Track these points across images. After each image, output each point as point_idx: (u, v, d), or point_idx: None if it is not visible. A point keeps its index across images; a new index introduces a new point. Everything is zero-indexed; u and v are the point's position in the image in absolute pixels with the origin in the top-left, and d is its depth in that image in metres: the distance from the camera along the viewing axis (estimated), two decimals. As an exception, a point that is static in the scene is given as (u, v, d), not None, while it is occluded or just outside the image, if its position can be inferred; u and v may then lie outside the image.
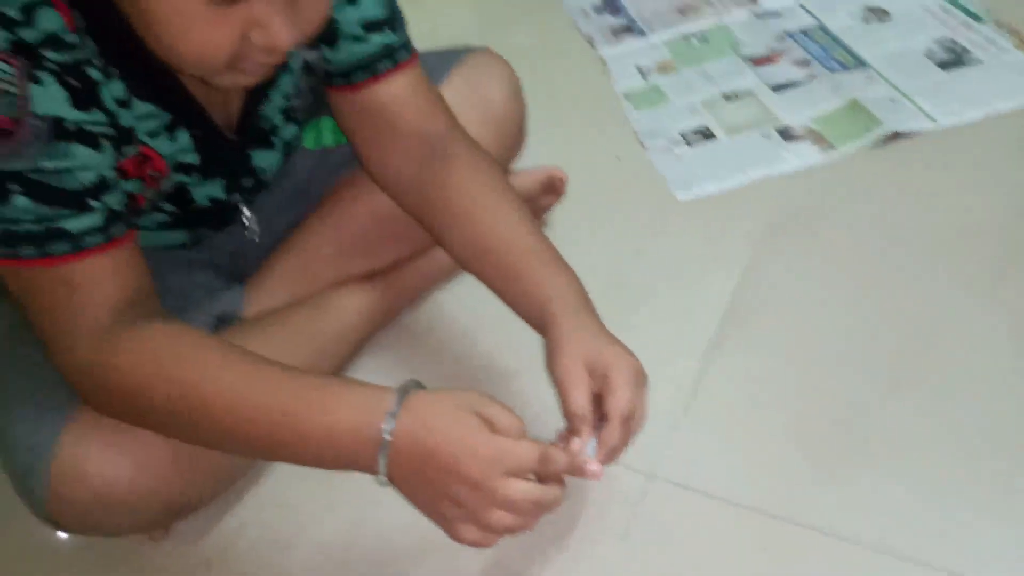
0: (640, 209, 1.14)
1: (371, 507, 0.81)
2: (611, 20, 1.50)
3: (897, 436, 0.84)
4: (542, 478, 0.65)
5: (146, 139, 0.73)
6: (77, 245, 0.65)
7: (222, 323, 0.87)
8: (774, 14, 1.43)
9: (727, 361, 0.93)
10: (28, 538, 0.84)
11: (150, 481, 0.73)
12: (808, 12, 1.42)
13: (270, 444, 0.67)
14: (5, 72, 0.60)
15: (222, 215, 0.86)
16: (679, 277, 1.04)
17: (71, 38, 0.63)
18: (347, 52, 0.80)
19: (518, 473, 0.62)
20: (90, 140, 0.65)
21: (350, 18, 0.79)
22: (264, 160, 0.85)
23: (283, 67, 0.79)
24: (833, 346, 0.93)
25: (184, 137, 0.76)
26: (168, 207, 0.81)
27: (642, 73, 1.37)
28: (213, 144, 0.78)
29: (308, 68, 0.82)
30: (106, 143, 0.66)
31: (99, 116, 0.65)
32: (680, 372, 0.92)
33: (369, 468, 0.64)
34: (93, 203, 0.65)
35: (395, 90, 0.82)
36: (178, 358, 0.67)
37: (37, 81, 0.61)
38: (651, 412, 0.87)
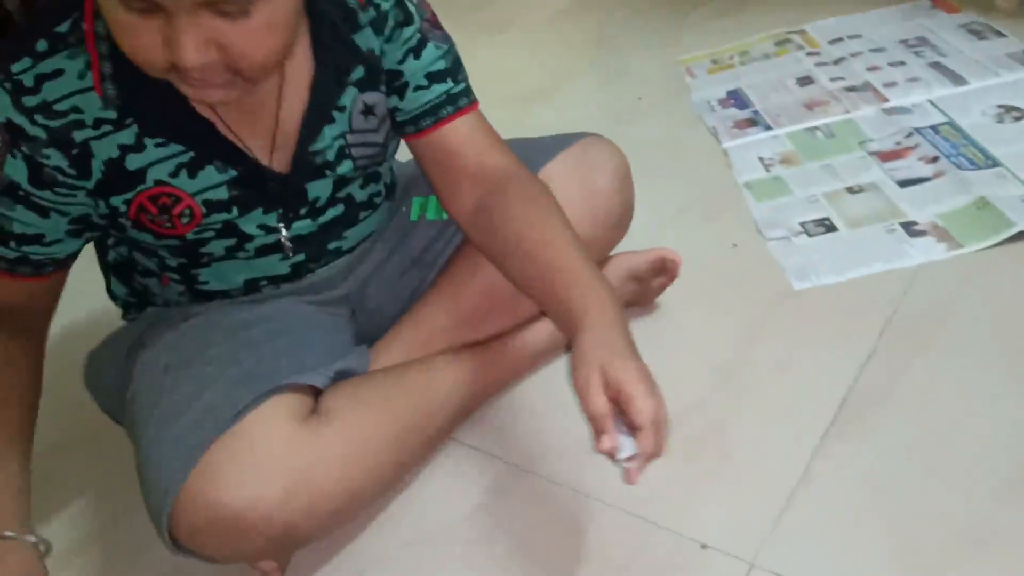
0: (755, 297, 1.13)
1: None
2: (736, 113, 1.53)
3: (1013, 545, 0.80)
4: None
5: (168, 180, 0.81)
6: None
7: (340, 377, 0.90)
8: (903, 110, 1.42)
9: (838, 454, 0.91)
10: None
11: (257, 517, 0.77)
12: (938, 109, 1.40)
13: None
14: None
15: (281, 244, 0.91)
16: (793, 367, 1.02)
17: (64, 106, 0.76)
18: (413, 101, 0.88)
19: None
20: (35, 208, 0.79)
21: (414, 69, 0.87)
22: (318, 190, 0.90)
23: (337, 107, 0.86)
24: (949, 447, 0.90)
25: (211, 174, 0.82)
26: (226, 241, 0.87)
27: (764, 164, 1.38)
28: (259, 179, 0.84)
29: (369, 110, 0.88)
30: (56, 213, 0.80)
31: (50, 195, 0.79)
32: (788, 461, 0.90)
33: None
34: (12, 244, 0.81)
35: (457, 133, 0.90)
36: None
37: (14, 156, 0.77)
38: (756, 499, 0.87)
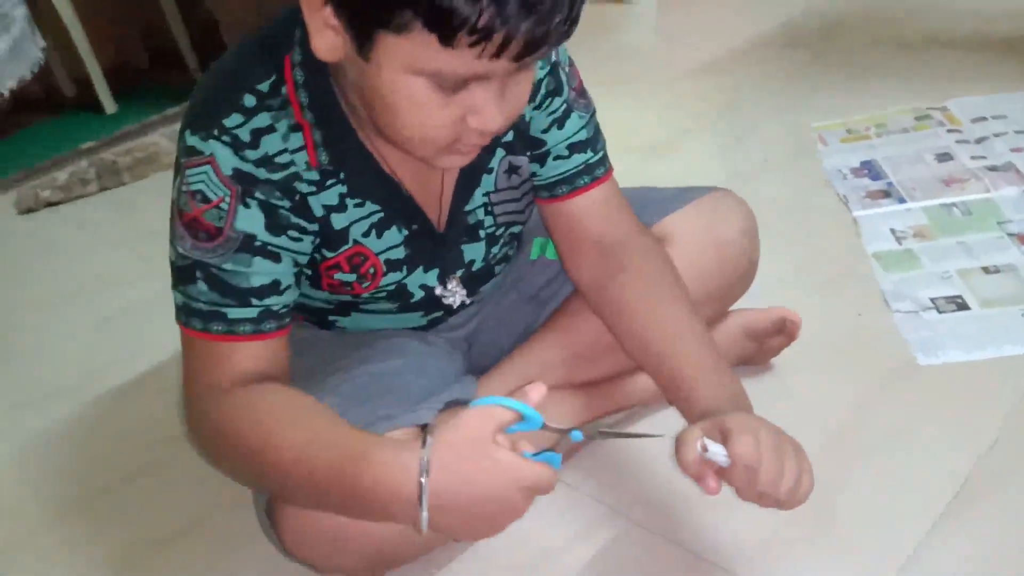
0: (876, 368, 1.10)
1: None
2: (869, 183, 1.50)
3: None
4: None
5: (361, 240, 0.84)
6: (231, 330, 0.77)
7: (449, 407, 0.93)
8: (1049, 193, 1.37)
9: (951, 538, 0.87)
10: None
11: (355, 533, 0.80)
12: (1088, 194, 1.35)
13: (324, 503, 0.74)
14: (224, 193, 0.75)
15: (436, 300, 0.94)
16: (911, 442, 0.99)
17: (284, 159, 0.76)
18: (552, 169, 0.90)
19: (541, 488, 0.68)
20: (272, 256, 0.78)
21: (557, 139, 0.89)
22: (474, 252, 0.93)
23: (486, 169, 0.88)
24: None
25: (393, 234, 0.86)
26: (389, 302, 0.91)
27: (896, 236, 1.35)
28: (427, 237, 0.88)
29: (514, 170, 0.91)
30: (288, 256, 0.79)
31: (285, 240, 0.78)
32: (897, 540, 0.87)
33: (411, 521, 0.68)
34: (254, 301, 0.78)
35: (588, 202, 0.91)
36: (258, 416, 0.74)
37: (247, 206, 0.76)
38: (857, 572, 0.84)
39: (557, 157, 0.90)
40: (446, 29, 0.60)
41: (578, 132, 0.89)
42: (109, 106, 2.44)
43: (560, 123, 0.88)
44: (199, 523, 1.01)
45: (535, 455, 0.70)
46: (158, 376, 1.27)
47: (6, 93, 2.20)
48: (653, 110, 1.97)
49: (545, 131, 0.88)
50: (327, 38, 0.68)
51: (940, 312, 1.17)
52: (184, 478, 1.07)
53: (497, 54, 0.62)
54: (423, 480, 0.65)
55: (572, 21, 0.63)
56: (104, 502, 1.10)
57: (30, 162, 2.20)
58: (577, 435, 0.72)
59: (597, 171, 0.91)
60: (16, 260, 1.84)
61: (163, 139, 2.14)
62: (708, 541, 0.89)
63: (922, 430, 1.00)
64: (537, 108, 0.87)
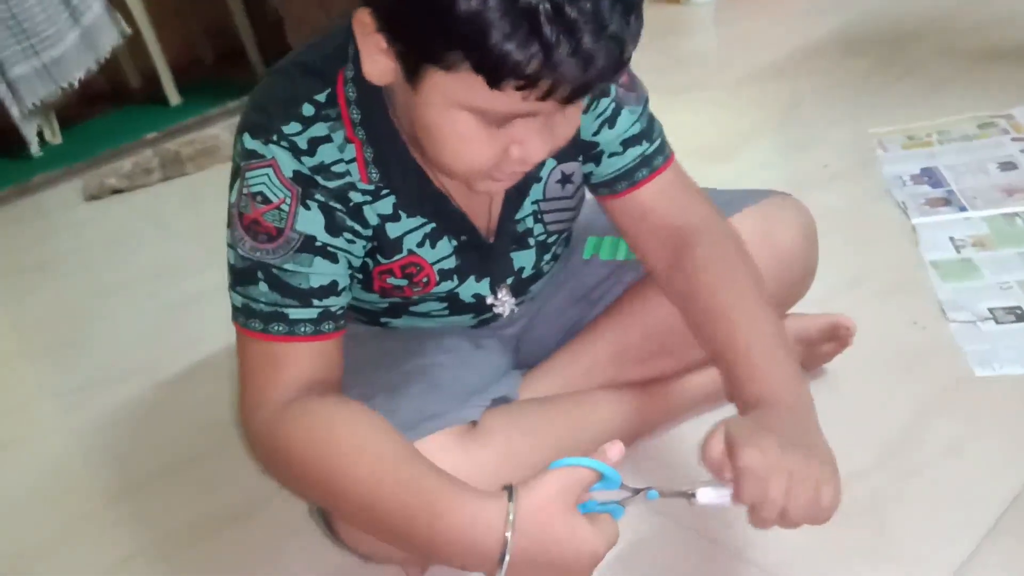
0: (931, 378, 1.09)
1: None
2: (929, 191, 1.48)
3: None
4: None
5: (416, 250, 0.85)
6: (291, 331, 0.78)
7: (496, 403, 0.94)
8: (1116, 206, 1.34)
9: (1004, 551, 0.85)
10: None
11: None
12: None
13: (397, 541, 0.75)
14: (285, 194, 0.76)
15: (487, 307, 0.95)
16: (966, 453, 0.97)
17: (340, 168, 0.77)
18: (608, 166, 0.89)
19: (610, 549, 0.69)
20: (330, 256, 0.79)
21: (610, 138, 0.88)
22: (523, 260, 0.94)
23: (535, 178, 0.88)
24: None
25: (444, 245, 0.87)
26: (439, 305, 0.93)
27: (955, 245, 1.33)
28: (476, 248, 0.88)
29: (567, 179, 0.91)
30: (344, 257, 0.80)
31: (341, 242, 0.79)
32: (948, 550, 0.86)
33: (486, 572, 0.68)
34: (315, 302, 0.78)
35: (652, 193, 0.90)
36: (327, 439, 0.74)
37: (307, 207, 0.76)
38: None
39: (612, 155, 0.89)
40: (495, 73, 0.61)
41: (630, 127, 0.88)
42: (174, 99, 2.51)
43: (611, 123, 0.87)
44: (256, 507, 1.04)
45: (602, 504, 0.71)
46: (221, 362, 1.31)
47: (75, 83, 2.27)
48: (711, 115, 1.96)
49: (596, 133, 0.87)
50: (379, 63, 0.69)
51: (998, 323, 1.16)
52: (244, 462, 1.10)
53: (544, 98, 0.62)
54: (508, 535, 0.66)
55: (621, 64, 0.63)
56: (165, 482, 1.13)
57: (96, 151, 2.27)
58: (653, 495, 0.72)
59: (655, 161, 0.90)
60: (84, 245, 1.90)
61: (224, 132, 2.20)
62: (751, 542, 0.89)
63: (977, 443, 0.98)
64: (584, 112, 0.86)
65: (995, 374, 1.08)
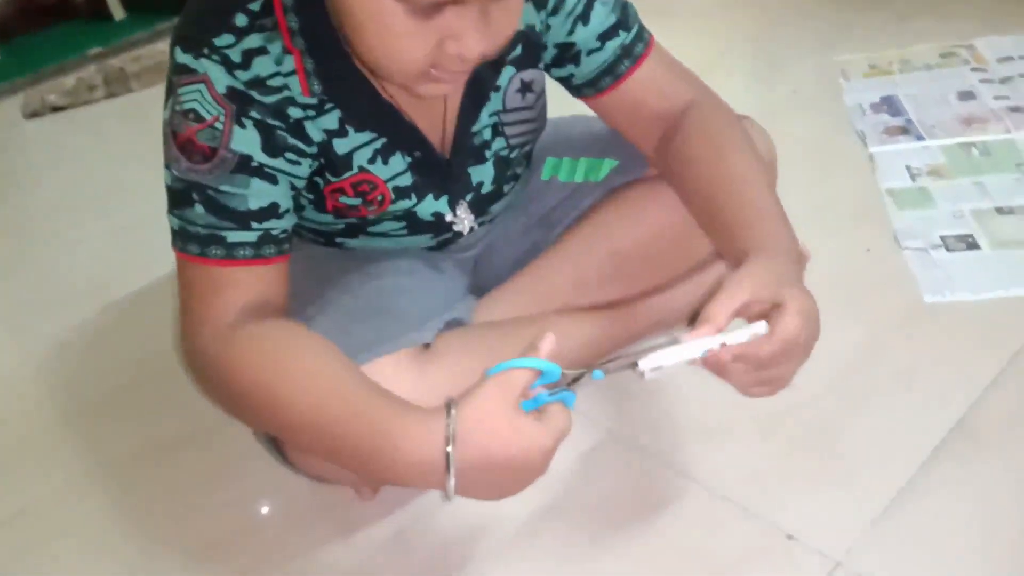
0: (883, 305, 1.10)
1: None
2: (888, 119, 1.48)
3: None
4: None
5: (367, 167, 0.82)
6: (230, 254, 0.75)
7: (449, 327, 0.93)
8: (1070, 137, 1.35)
9: (946, 471, 0.88)
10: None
11: None
12: (1110, 138, 1.33)
13: (338, 462, 0.74)
14: (219, 111, 0.72)
15: (446, 225, 0.93)
16: (915, 378, 0.99)
17: (277, 82, 0.73)
18: (589, 64, 0.86)
19: (561, 440, 0.68)
20: (269, 177, 0.75)
21: (585, 36, 0.85)
22: (482, 175, 0.91)
23: (493, 87, 0.85)
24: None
25: (398, 161, 0.83)
26: (397, 224, 0.90)
27: (911, 174, 1.33)
28: (432, 164, 0.85)
29: (527, 87, 0.88)
30: (285, 179, 0.77)
31: (282, 162, 0.76)
32: (894, 470, 0.88)
33: (437, 487, 0.68)
34: (254, 224, 0.75)
35: (638, 83, 0.88)
36: (266, 366, 0.72)
37: (242, 126, 0.73)
38: (854, 500, 0.85)
39: (591, 51, 0.86)
40: None
41: (606, 19, 0.85)
42: (118, 13, 2.41)
43: (584, 19, 0.84)
44: (207, 430, 1.03)
45: (551, 395, 0.70)
46: (170, 285, 1.28)
47: (14, -5, 2.17)
48: (680, 40, 1.92)
49: (570, 33, 0.84)
50: None
51: (950, 251, 1.17)
52: (193, 386, 1.09)
53: None
54: (449, 450, 0.66)
55: None
56: (114, 406, 1.12)
57: (37, 67, 2.18)
58: (599, 374, 0.71)
59: (636, 49, 0.87)
60: (26, 165, 1.84)
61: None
62: (706, 468, 0.90)
63: (926, 368, 1.00)
64: (552, 15, 0.83)
65: (945, 300, 1.09)
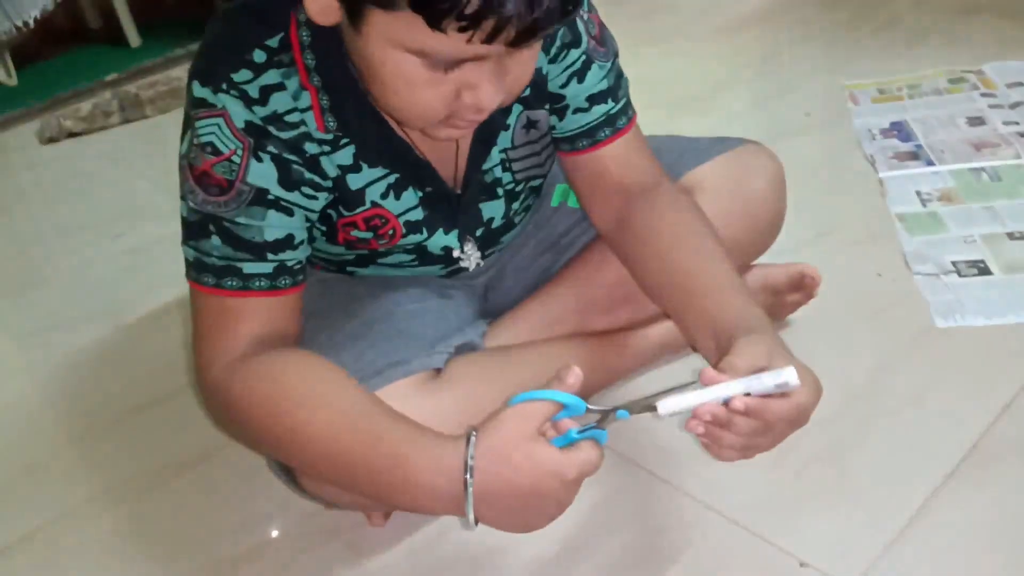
0: (894, 329, 1.10)
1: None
2: (897, 144, 1.48)
3: None
4: None
5: (379, 201, 0.83)
6: (245, 285, 0.76)
7: (460, 351, 0.93)
8: (1081, 162, 1.35)
9: (959, 497, 0.87)
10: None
11: None
12: (1122, 164, 1.33)
13: (361, 492, 0.74)
14: (236, 145, 0.73)
15: (455, 260, 0.94)
16: (926, 403, 0.98)
17: (294, 118, 0.74)
18: (572, 122, 0.88)
19: (587, 474, 0.67)
20: (285, 210, 0.76)
21: (576, 93, 0.86)
22: (492, 211, 0.92)
23: (503, 126, 0.86)
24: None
25: (410, 196, 0.84)
26: (407, 256, 0.91)
27: (921, 199, 1.33)
28: (443, 199, 0.86)
29: (532, 124, 0.89)
30: (300, 212, 0.77)
31: (297, 196, 0.77)
32: (907, 495, 0.87)
33: (456, 514, 0.68)
34: (270, 255, 0.76)
35: (610, 153, 0.89)
36: (283, 395, 0.72)
37: (259, 160, 0.73)
38: (866, 526, 0.85)
39: (577, 110, 0.87)
40: (433, 13, 0.58)
41: (599, 83, 0.86)
42: (134, 39, 2.43)
43: (580, 76, 0.85)
44: (219, 450, 1.03)
45: (581, 432, 0.69)
46: (182, 309, 1.29)
47: (31, 23, 2.20)
48: (688, 64, 1.95)
49: (564, 85, 0.86)
50: (319, 1, 0.66)
51: (961, 276, 1.17)
52: (203, 408, 1.09)
53: (489, 40, 0.59)
54: (468, 478, 0.65)
55: (569, 5, 0.60)
56: (128, 425, 1.12)
57: (53, 93, 2.20)
58: (624, 414, 0.70)
59: (619, 122, 0.89)
60: (43, 188, 1.86)
61: (186, 74, 2.14)
62: (719, 492, 0.90)
63: (938, 392, 1.00)
64: (553, 61, 0.84)
65: (956, 326, 1.09)
